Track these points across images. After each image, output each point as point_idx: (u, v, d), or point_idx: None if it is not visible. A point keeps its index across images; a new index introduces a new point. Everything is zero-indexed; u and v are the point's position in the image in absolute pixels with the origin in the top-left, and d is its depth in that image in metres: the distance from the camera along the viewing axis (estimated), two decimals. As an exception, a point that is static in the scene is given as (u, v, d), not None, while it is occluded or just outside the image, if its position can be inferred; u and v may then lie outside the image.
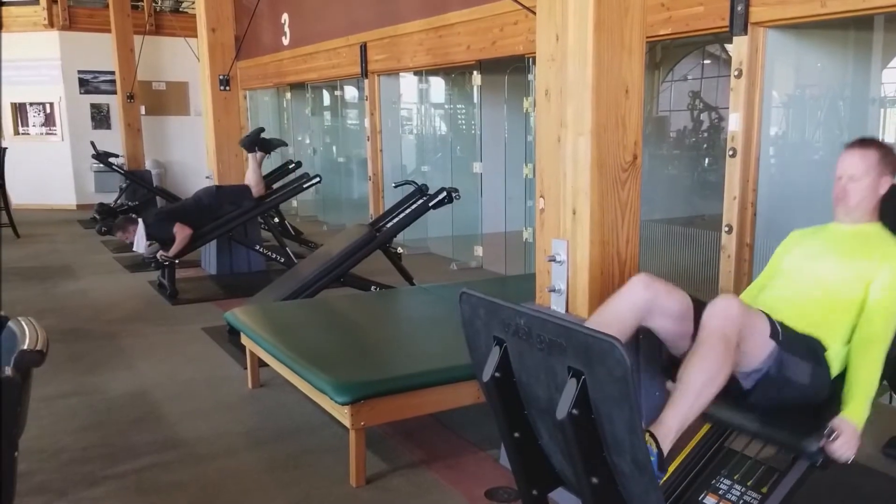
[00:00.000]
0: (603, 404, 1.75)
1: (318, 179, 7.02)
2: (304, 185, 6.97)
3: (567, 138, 2.56)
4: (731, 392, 2.07)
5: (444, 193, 5.26)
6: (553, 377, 1.86)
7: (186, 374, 4.17)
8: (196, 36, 7.54)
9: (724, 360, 1.92)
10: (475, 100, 7.14)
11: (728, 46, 5.76)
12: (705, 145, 7.83)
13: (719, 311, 1.99)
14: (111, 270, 7.15)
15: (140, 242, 6.13)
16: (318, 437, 3.31)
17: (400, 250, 5.70)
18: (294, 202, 10.36)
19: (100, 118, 11.87)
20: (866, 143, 2.34)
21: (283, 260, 6.47)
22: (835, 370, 2.19)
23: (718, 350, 1.92)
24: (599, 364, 1.72)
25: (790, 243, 2.52)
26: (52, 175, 11.66)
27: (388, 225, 5.28)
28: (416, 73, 7.99)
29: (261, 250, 6.65)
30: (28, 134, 11.84)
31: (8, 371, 1.58)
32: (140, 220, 6.17)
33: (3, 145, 9.94)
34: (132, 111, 11.01)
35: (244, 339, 3.86)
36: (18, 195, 10.58)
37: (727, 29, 4.00)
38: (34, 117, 11.78)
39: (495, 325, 2.02)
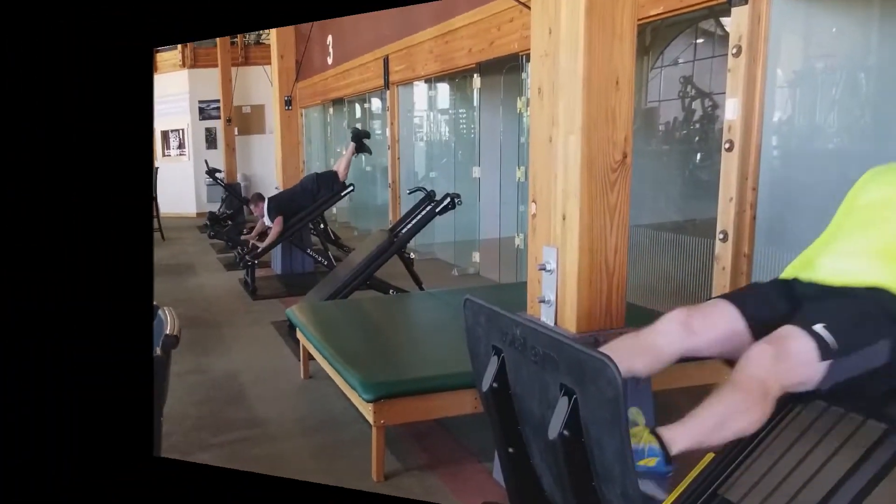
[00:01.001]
0: (594, 426, 1.37)
1: (351, 188, 6.74)
2: (341, 194, 6.70)
3: (558, 137, 2.09)
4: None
5: (449, 199, 4.82)
6: (546, 392, 1.49)
7: (262, 362, 4.11)
8: (270, 63, 7.53)
9: (754, 404, 1.48)
10: (475, 103, 6.29)
11: (724, 21, 4.44)
12: (697, 138, 5.70)
13: (755, 360, 1.50)
14: (216, 269, 7.29)
15: (268, 217, 6.28)
16: (351, 431, 3.05)
17: (412, 255, 5.30)
18: (334, 209, 9.94)
19: (210, 140, 12.42)
20: None
21: (325, 263, 6.27)
22: None
23: (755, 393, 1.47)
24: (591, 383, 1.35)
25: (866, 181, 1.83)
26: (182, 188, 12.33)
27: (403, 231, 4.90)
28: (426, 81, 7.31)
29: (311, 253, 6.46)
30: (169, 156, 12.65)
31: (157, 351, 1.72)
32: (266, 198, 6.34)
33: (156, 165, 10.48)
34: (230, 132, 11.53)
35: (298, 334, 3.67)
36: (162, 205, 11.02)
37: (725, 0, 3.07)
38: (173, 142, 12.56)
39: (494, 333, 1.67)
